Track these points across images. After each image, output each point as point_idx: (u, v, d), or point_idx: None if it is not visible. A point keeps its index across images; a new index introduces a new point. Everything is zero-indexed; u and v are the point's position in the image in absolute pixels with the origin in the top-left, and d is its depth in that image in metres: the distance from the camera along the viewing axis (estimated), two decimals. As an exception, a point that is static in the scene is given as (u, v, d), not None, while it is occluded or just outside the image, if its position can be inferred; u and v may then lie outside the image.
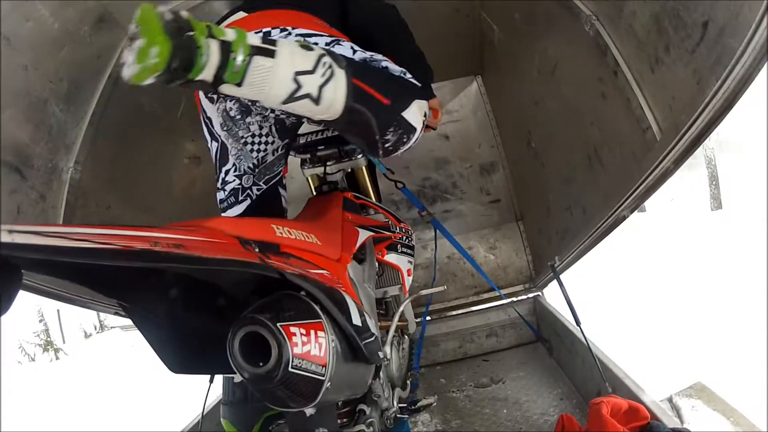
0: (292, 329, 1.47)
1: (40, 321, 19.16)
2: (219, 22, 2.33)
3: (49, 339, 19.08)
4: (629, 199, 2.62)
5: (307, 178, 3.23)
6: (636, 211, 2.73)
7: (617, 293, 9.47)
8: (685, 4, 1.84)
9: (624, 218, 2.79)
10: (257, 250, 1.48)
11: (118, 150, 3.35)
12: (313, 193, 3.16)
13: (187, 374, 1.63)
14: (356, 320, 1.83)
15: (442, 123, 4.29)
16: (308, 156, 3.10)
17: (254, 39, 1.70)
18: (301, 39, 2.07)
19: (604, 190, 2.92)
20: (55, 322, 20.23)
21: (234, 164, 2.50)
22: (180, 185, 4.22)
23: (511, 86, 4.25)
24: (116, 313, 3.49)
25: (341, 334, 1.75)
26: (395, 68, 2.22)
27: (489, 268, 5.07)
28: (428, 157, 5.08)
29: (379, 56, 2.22)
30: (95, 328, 21.07)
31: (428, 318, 4.79)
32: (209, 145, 2.53)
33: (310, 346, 1.51)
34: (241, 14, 2.31)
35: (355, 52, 2.21)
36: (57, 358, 18.27)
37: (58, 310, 19.98)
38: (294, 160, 2.94)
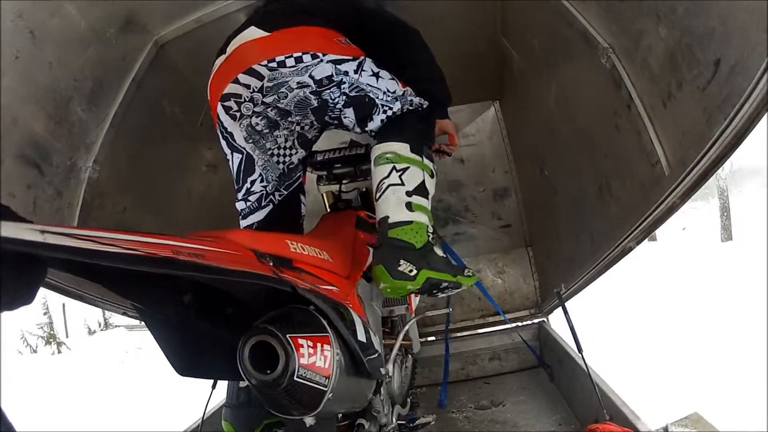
0: (300, 341, 1.54)
1: (45, 313, 19.12)
2: (232, 37, 2.42)
3: (52, 332, 19.07)
4: (636, 231, 2.64)
5: (322, 195, 3.28)
6: (644, 241, 2.75)
7: (621, 320, 9.46)
8: (699, 40, 1.87)
9: (630, 249, 2.81)
10: (271, 263, 1.56)
11: (137, 153, 3.40)
12: (327, 210, 3.22)
13: (193, 377, 1.66)
14: (361, 336, 1.89)
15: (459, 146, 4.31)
16: (325, 173, 3.15)
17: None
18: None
19: (612, 221, 2.94)
20: (60, 316, 20.24)
21: (261, 174, 2.56)
22: (197, 191, 4.26)
23: (528, 113, 4.26)
24: (124, 313, 3.52)
25: (346, 348, 1.80)
26: (416, 101, 2.54)
27: (496, 292, 5.08)
28: (442, 180, 5.02)
29: (400, 90, 2.51)
30: (99, 325, 21.05)
31: (432, 338, 4.84)
32: (229, 158, 2.57)
33: (316, 358, 1.57)
34: (258, 32, 2.36)
35: (378, 78, 2.43)
36: (59, 352, 18.24)
37: (63, 305, 19.96)
38: (310, 176, 2.98)
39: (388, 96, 2.45)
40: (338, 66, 2.34)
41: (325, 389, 1.61)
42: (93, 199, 3.03)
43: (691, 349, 7.71)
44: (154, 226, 3.59)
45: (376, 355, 2.05)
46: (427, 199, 2.39)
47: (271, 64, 2.30)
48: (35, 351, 18.23)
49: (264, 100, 2.39)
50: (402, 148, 2.37)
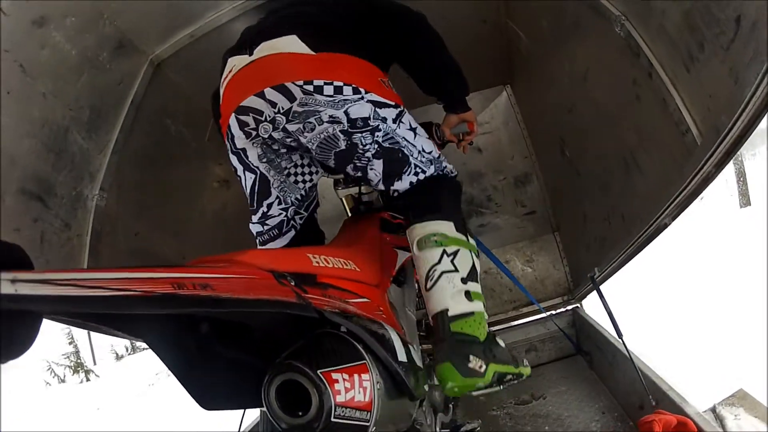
0: (334, 375, 1.38)
1: (70, 343, 19.28)
2: (259, 38, 2.15)
3: (79, 361, 19.18)
4: (671, 206, 2.54)
5: (342, 199, 3.15)
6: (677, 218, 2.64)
7: (651, 298, 9.32)
8: (714, -1, 1.78)
9: (665, 226, 2.71)
10: (293, 283, 1.40)
11: (144, 176, 3.34)
12: (348, 214, 3.11)
13: (220, 410, 1.49)
14: (402, 356, 1.74)
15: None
16: (342, 176, 2.95)
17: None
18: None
19: (643, 197, 2.85)
20: (86, 344, 20.34)
21: (278, 197, 2.35)
22: (211, 209, 4.20)
23: (542, 94, 4.18)
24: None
25: (386, 372, 1.64)
26: (449, 168, 2.40)
27: (527, 281, 5.02)
28: (461, 171, 4.83)
29: (435, 152, 2.34)
30: (127, 350, 21.15)
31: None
32: (240, 175, 2.34)
33: (354, 392, 1.42)
34: (301, 45, 2.10)
35: (416, 134, 2.25)
36: (87, 380, 18.37)
37: (89, 333, 20.11)
38: (326, 181, 2.85)
39: (423, 157, 2.25)
40: (378, 109, 2.11)
41: (368, 424, 1.46)
42: (102, 227, 2.97)
43: (728, 322, 7.55)
44: (170, 248, 3.57)
45: (419, 372, 1.91)
46: (479, 282, 2.18)
47: (307, 86, 2.04)
48: (63, 381, 18.37)
49: (287, 126, 2.11)
50: (448, 228, 2.16)
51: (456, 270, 2.08)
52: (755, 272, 9.14)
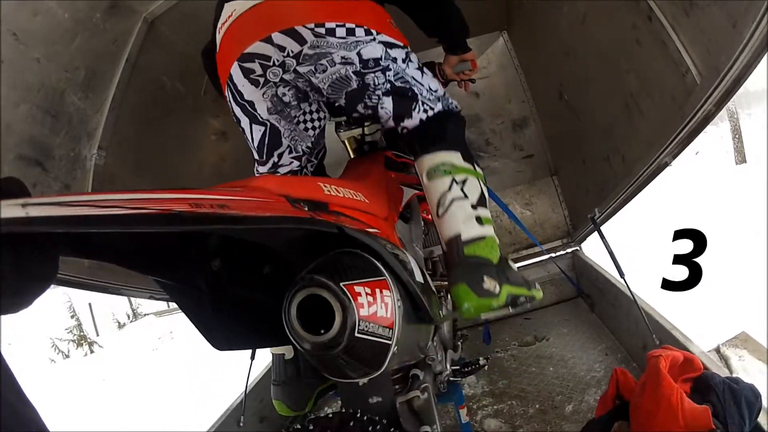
0: (357, 288, 1.34)
1: (72, 316, 19.04)
2: None
3: (82, 333, 19.02)
4: (671, 144, 2.56)
5: (344, 141, 3.08)
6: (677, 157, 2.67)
7: (648, 245, 9.36)
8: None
9: (666, 165, 2.73)
10: (306, 208, 1.36)
11: (142, 133, 3.33)
12: (351, 156, 3.07)
13: (233, 350, 1.52)
14: (419, 277, 1.73)
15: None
16: (344, 118, 2.93)
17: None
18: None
19: (644, 138, 2.85)
20: (88, 316, 20.21)
21: (289, 146, 2.32)
22: (209, 162, 4.20)
23: (540, 39, 4.15)
24: (150, 297, 3.47)
25: (405, 292, 1.63)
26: (454, 104, 2.38)
27: (526, 224, 4.91)
28: None
29: (441, 90, 2.33)
30: (128, 317, 21.03)
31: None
32: (245, 128, 2.28)
33: (377, 307, 1.39)
34: None
35: (423, 73, 2.26)
36: (91, 352, 18.23)
37: (89, 304, 19.92)
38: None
39: (431, 95, 2.27)
40: (389, 50, 2.11)
41: (390, 342, 1.43)
42: (102, 185, 2.97)
43: (723, 271, 7.60)
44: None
45: (434, 296, 1.94)
46: (488, 209, 2.22)
47: (318, 29, 1.98)
48: (68, 356, 18.21)
49: (297, 68, 2.07)
50: (456, 158, 2.19)
51: (466, 197, 2.13)
52: (753, 224, 9.19)
